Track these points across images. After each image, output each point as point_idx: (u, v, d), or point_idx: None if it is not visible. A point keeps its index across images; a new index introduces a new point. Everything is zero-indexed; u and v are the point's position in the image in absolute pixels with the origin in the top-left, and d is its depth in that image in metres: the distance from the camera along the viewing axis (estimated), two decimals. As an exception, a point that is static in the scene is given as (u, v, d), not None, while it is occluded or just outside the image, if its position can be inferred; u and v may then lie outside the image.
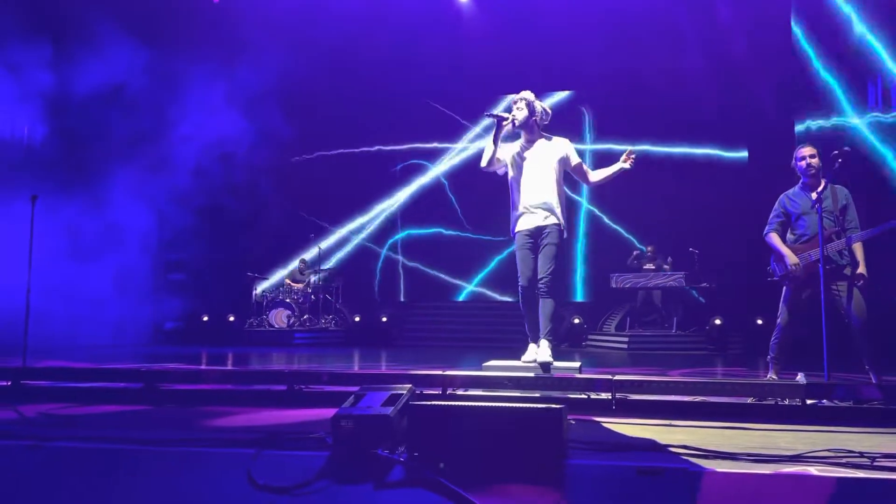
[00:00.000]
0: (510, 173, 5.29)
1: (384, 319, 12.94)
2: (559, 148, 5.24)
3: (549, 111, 5.32)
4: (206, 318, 13.21)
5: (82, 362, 7.28)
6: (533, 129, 5.22)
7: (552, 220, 5.10)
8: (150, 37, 11.08)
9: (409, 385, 3.36)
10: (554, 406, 2.77)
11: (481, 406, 2.89)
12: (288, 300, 12.87)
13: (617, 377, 4.31)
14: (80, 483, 2.91)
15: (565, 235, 5.18)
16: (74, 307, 11.15)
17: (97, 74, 10.51)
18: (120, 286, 12.11)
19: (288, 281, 13.40)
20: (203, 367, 7.53)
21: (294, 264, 13.76)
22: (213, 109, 11.24)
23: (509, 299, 13.05)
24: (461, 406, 2.93)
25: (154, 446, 3.19)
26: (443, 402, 3.14)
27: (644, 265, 11.64)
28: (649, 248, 11.86)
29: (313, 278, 13.38)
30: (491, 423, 2.79)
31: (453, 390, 4.52)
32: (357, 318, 13.17)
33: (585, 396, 4.31)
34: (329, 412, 4.06)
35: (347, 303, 13.64)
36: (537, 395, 4.27)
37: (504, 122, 5.15)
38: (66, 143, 11.50)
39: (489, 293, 13.67)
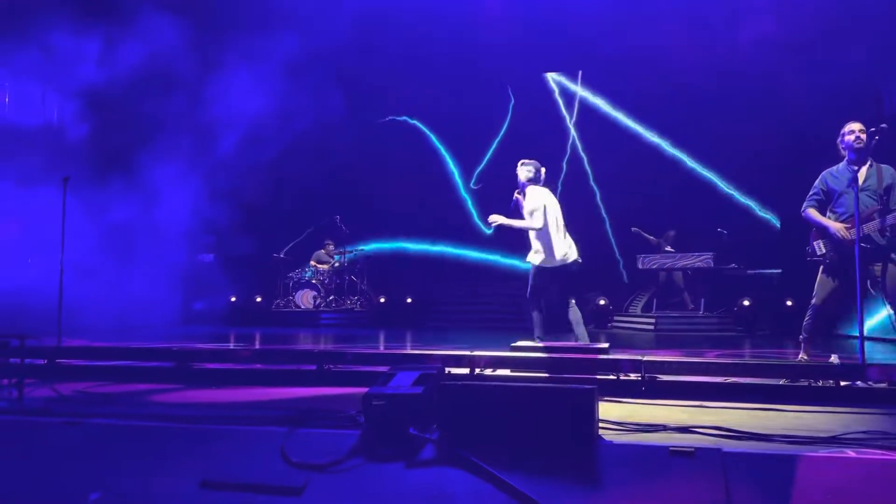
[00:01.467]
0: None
1: (409, 300, 12.98)
2: None
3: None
4: (233, 299, 13.37)
5: (115, 342, 7.42)
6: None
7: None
8: (188, 16, 11.14)
9: (439, 365, 3.37)
10: (585, 386, 2.76)
11: (513, 386, 2.88)
12: (314, 281, 12.96)
13: (646, 358, 4.29)
14: (118, 458, 2.96)
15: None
16: (107, 288, 11.35)
17: (131, 57, 10.61)
18: (151, 267, 12.30)
19: (314, 262, 13.48)
20: (234, 346, 7.63)
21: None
22: (243, 92, 11.30)
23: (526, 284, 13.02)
24: (492, 385, 2.93)
25: (188, 423, 3.25)
26: (474, 382, 3.15)
27: (665, 248, 11.54)
28: (671, 232, 11.74)
29: (338, 260, 13.45)
30: (522, 403, 2.78)
31: (481, 370, 4.53)
32: (382, 299, 13.23)
33: (615, 377, 4.29)
34: (358, 391, 4.10)
35: (372, 284, 13.70)
36: (566, 375, 4.26)
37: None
38: (98, 126, 11.63)
39: (515, 275, 13.63)
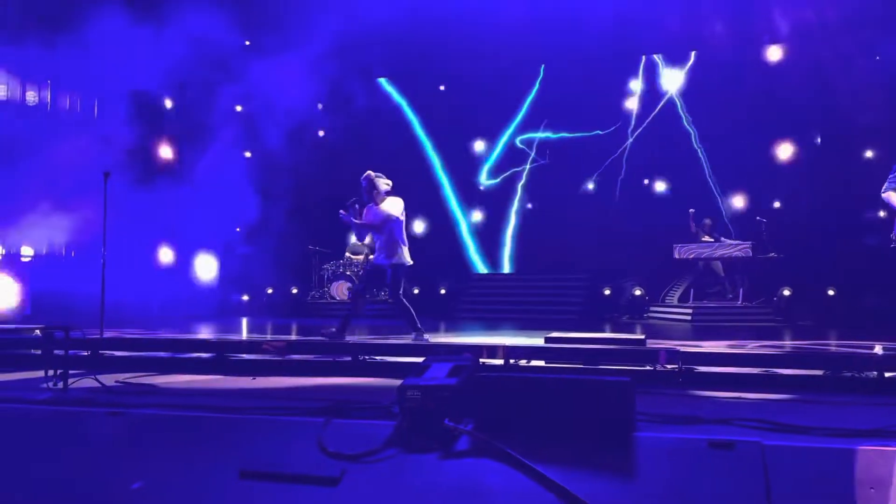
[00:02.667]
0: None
1: (443, 292, 13.01)
2: None
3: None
4: (270, 291, 13.55)
5: (156, 333, 7.58)
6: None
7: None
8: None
9: (474, 356, 3.36)
10: (622, 378, 2.73)
11: (548, 377, 2.87)
12: (349, 273, 13.06)
13: (684, 349, 4.23)
14: (160, 448, 3.02)
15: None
16: (148, 280, 11.62)
17: (174, 50, 10.80)
18: (189, 259, 12.55)
19: (349, 254, 13.58)
20: (270, 337, 7.73)
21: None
22: (288, 87, 11.44)
23: (568, 274, 12.95)
24: (528, 377, 2.92)
25: (227, 414, 3.30)
26: (510, 374, 3.14)
27: (702, 237, 11.36)
28: (707, 221, 11.54)
29: (373, 252, 13.53)
30: (558, 395, 2.77)
31: (516, 361, 4.52)
32: (416, 291, 13.28)
33: (651, 368, 4.24)
34: (393, 382, 4.12)
35: (406, 275, 13.74)
36: (602, 367, 4.23)
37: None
38: (141, 121, 11.86)
39: (549, 268, 13.54)
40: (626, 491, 2.46)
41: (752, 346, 6.42)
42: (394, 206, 7.06)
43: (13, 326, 6.36)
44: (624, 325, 10.50)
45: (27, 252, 12.01)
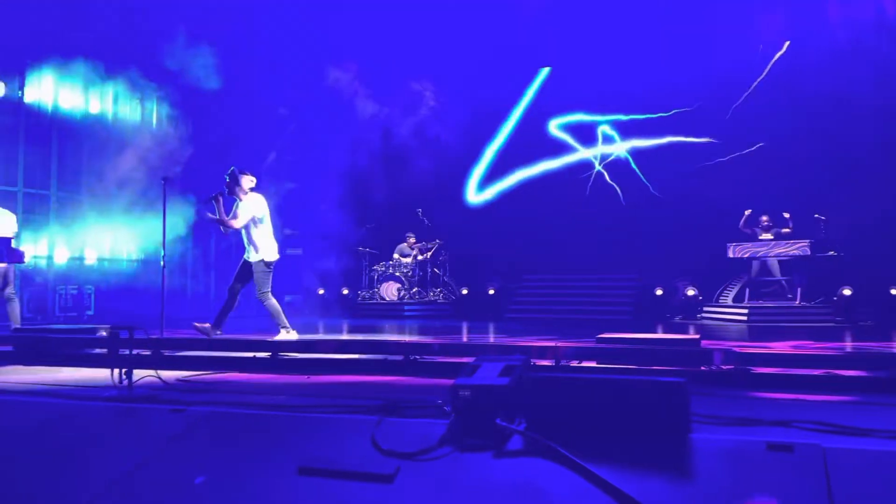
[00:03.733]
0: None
1: (491, 292, 13.01)
2: None
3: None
4: (322, 292, 13.76)
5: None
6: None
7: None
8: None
9: (525, 356, 3.37)
10: (677, 379, 2.71)
11: (602, 378, 2.86)
12: (398, 274, 13.18)
13: (740, 349, 4.15)
14: (220, 444, 3.12)
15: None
16: (203, 281, 11.95)
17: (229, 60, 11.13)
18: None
19: (397, 255, 13.70)
20: (323, 337, 7.87)
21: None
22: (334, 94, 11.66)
23: (618, 274, 12.79)
24: (581, 378, 2.91)
25: (283, 411, 3.38)
26: (562, 374, 3.13)
27: (760, 235, 11.08)
28: (764, 218, 11.24)
29: (421, 253, 13.61)
30: (611, 396, 2.75)
31: (566, 362, 4.50)
32: (465, 291, 13.31)
33: (706, 369, 4.17)
34: (444, 382, 4.16)
35: (455, 276, 13.79)
36: (654, 368, 4.18)
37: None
38: (198, 124, 12.19)
39: (599, 267, 13.41)
40: (682, 492, 2.44)
41: (811, 347, 6.25)
42: (256, 205, 7.07)
43: (82, 326, 6.64)
44: (677, 325, 10.32)
45: (90, 255, 12.48)
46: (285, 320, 7.03)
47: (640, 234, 12.60)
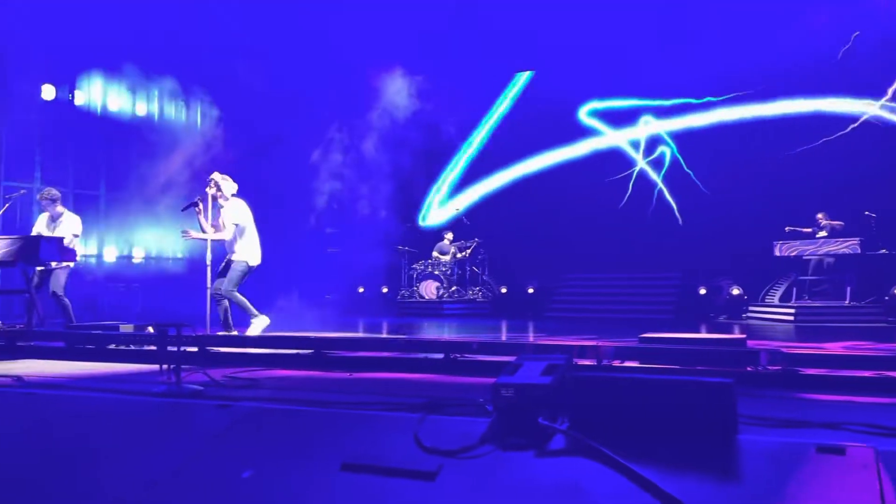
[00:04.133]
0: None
1: (531, 291, 12.96)
2: None
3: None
4: (362, 290, 13.88)
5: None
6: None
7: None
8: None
9: (567, 355, 3.35)
10: (724, 379, 2.66)
11: (646, 378, 2.83)
12: (437, 272, 13.22)
13: (787, 350, 4.06)
14: (266, 440, 3.17)
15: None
16: (248, 279, 12.14)
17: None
18: (287, 257, 13.03)
19: (436, 254, 13.74)
20: (364, 335, 7.94)
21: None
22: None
23: (660, 273, 12.61)
24: (624, 377, 2.89)
25: (326, 408, 3.42)
26: (606, 374, 3.11)
27: (817, 234, 10.79)
28: (820, 216, 10.94)
29: (460, 251, 13.63)
30: (656, 396, 2.72)
31: (609, 361, 4.46)
32: (504, 290, 13.29)
33: (753, 370, 4.09)
34: (485, 380, 4.15)
35: (494, 274, 13.77)
36: (699, 368, 4.11)
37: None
38: (238, 122, 12.40)
39: (640, 266, 13.24)
40: (729, 494, 2.40)
41: (861, 348, 6.08)
42: (239, 212, 7.08)
43: (131, 324, 6.82)
44: (721, 325, 10.15)
45: (138, 254, 12.81)
46: (231, 325, 7.19)
47: (684, 231, 12.41)
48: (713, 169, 12.69)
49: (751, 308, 11.15)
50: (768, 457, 2.50)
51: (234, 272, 7.12)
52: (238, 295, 7.15)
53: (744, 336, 4.92)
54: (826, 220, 10.87)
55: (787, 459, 2.47)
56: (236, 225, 7.08)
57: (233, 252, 7.20)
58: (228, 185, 7.18)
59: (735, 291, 11.24)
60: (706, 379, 2.71)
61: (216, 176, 7.20)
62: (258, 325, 7.13)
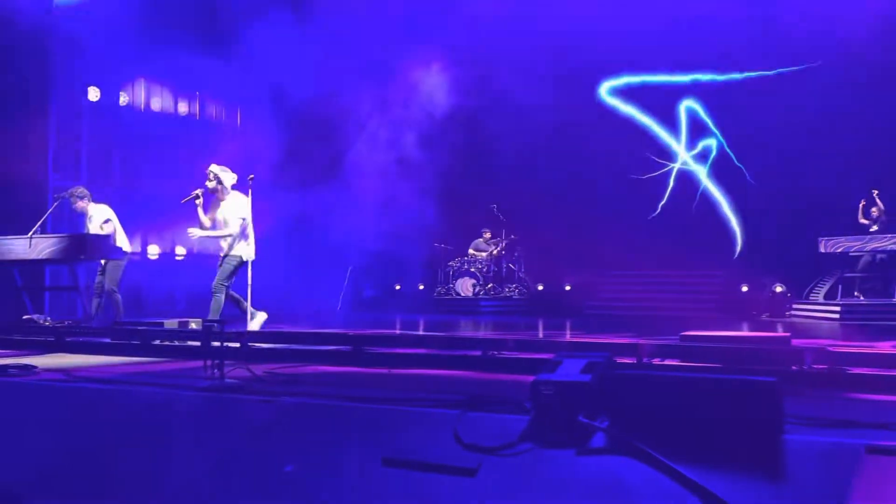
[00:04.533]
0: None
1: (568, 288, 12.87)
2: None
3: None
4: (398, 287, 13.96)
5: (298, 327, 8.03)
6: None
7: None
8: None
9: (607, 353, 3.32)
10: (769, 378, 2.61)
11: (689, 376, 2.79)
12: (473, 269, 13.21)
13: (834, 348, 3.97)
14: (308, 434, 3.22)
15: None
16: (288, 276, 12.33)
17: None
18: (325, 256, 13.20)
19: (472, 251, 13.73)
20: (402, 332, 7.98)
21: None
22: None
23: (701, 270, 12.41)
24: (666, 375, 2.85)
25: (366, 404, 3.46)
26: (648, 372, 3.08)
27: (871, 229, 10.47)
28: (874, 209, 10.62)
29: (497, 248, 13.60)
30: (699, 395, 2.68)
31: (649, 359, 4.41)
32: (540, 287, 13.23)
33: (797, 369, 4.01)
34: (523, 378, 4.14)
35: (530, 272, 13.72)
36: (742, 367, 4.04)
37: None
38: (281, 123, 12.57)
39: (680, 263, 13.03)
40: (776, 495, 2.35)
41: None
42: (242, 206, 6.90)
43: (176, 320, 6.96)
44: (764, 323, 9.95)
45: (181, 251, 13.08)
46: (248, 308, 7.03)
47: (725, 227, 12.20)
48: (761, 162, 12.43)
49: (794, 306, 10.91)
50: (816, 457, 2.45)
51: (227, 266, 6.96)
52: (222, 296, 6.94)
53: (789, 334, 4.82)
54: (881, 213, 10.54)
55: (835, 460, 2.42)
56: (243, 219, 6.92)
57: (226, 247, 7.02)
58: (228, 177, 7.01)
59: (778, 289, 11.01)
60: (751, 377, 2.66)
61: (215, 168, 7.03)
62: (259, 320, 7.03)
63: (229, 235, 6.94)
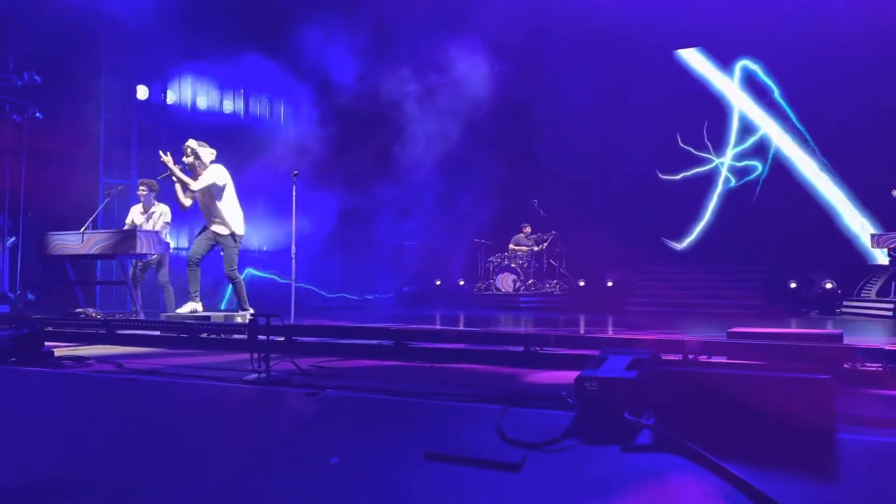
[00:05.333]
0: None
1: (610, 284, 12.74)
2: None
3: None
4: (438, 283, 13.99)
5: (339, 321, 8.12)
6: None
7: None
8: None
9: (653, 350, 3.29)
10: (821, 376, 2.55)
11: (739, 374, 2.74)
12: (513, 265, 13.17)
13: (889, 347, 3.85)
14: (352, 427, 3.26)
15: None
16: (329, 271, 12.48)
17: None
18: (365, 252, 13.30)
19: (513, 246, 13.69)
20: (444, 327, 8.00)
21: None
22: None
23: (747, 266, 12.16)
24: (714, 372, 2.81)
25: (409, 398, 3.48)
26: (695, 369, 3.04)
27: None
28: None
29: (537, 244, 13.53)
30: (748, 392, 2.64)
31: (695, 356, 4.34)
32: (582, 283, 13.12)
33: (850, 368, 3.90)
34: (565, 374, 4.13)
35: (571, 267, 13.62)
36: (792, 364, 3.95)
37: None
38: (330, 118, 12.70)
39: (724, 259, 12.79)
40: (826, 495, 2.30)
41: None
42: (218, 173, 6.76)
43: (222, 313, 7.11)
44: (813, 320, 9.71)
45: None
46: (246, 301, 7.05)
47: (772, 223, 11.92)
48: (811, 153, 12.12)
49: (845, 303, 10.61)
50: (870, 457, 2.39)
51: (229, 250, 6.96)
52: (240, 278, 7.10)
53: (840, 332, 4.69)
54: None
55: (890, 460, 2.35)
56: (215, 188, 6.82)
57: (217, 226, 6.97)
58: (206, 152, 6.95)
59: (828, 285, 10.72)
60: (803, 375, 2.60)
61: (192, 143, 6.95)
62: (190, 306, 7.06)
63: (193, 193, 6.88)
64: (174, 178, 6.90)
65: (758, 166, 12.91)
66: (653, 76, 13.35)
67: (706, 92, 13.30)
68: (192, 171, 6.97)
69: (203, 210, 7.09)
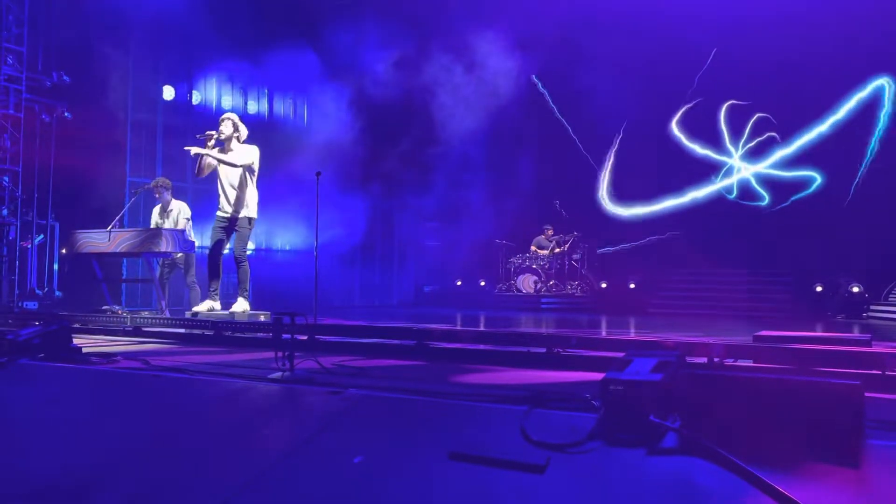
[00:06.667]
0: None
1: (632, 286, 12.66)
2: None
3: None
4: (459, 283, 14.00)
5: (362, 320, 8.16)
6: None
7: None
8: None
9: (678, 352, 3.26)
10: (850, 381, 2.52)
11: (766, 377, 2.72)
12: (535, 266, 13.14)
13: (919, 353, 3.79)
14: (375, 426, 3.27)
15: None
16: (351, 271, 12.53)
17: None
18: (386, 252, 13.34)
19: (534, 248, 13.65)
20: (465, 328, 8.01)
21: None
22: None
23: (772, 269, 12.00)
24: (741, 376, 2.78)
25: (432, 397, 3.48)
26: (723, 372, 3.01)
27: None
28: None
29: (559, 246, 13.48)
30: (776, 397, 2.61)
31: (720, 360, 4.30)
32: (603, 285, 13.06)
33: (880, 373, 3.84)
34: (588, 375, 4.12)
35: (593, 269, 13.55)
36: (820, 369, 3.90)
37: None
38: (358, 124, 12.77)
39: (749, 262, 12.64)
40: (857, 502, 2.27)
41: None
42: (255, 153, 6.77)
43: (248, 312, 7.18)
44: (839, 325, 9.57)
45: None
46: (248, 284, 7.10)
47: (797, 225, 11.77)
48: (829, 156, 11.95)
49: (872, 307, 10.45)
50: (902, 465, 2.35)
51: (244, 231, 7.01)
52: (247, 263, 7.16)
53: (868, 336, 4.62)
54: None
55: (923, 468, 2.32)
56: (251, 169, 6.91)
57: (237, 207, 6.97)
58: (244, 128, 7.04)
59: (855, 289, 10.57)
60: (831, 380, 2.57)
61: (234, 116, 7.00)
62: (244, 307, 7.15)
63: (231, 164, 6.85)
64: (209, 147, 6.93)
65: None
66: (684, 76, 13.20)
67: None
68: (223, 144, 6.96)
69: (226, 189, 7.04)
